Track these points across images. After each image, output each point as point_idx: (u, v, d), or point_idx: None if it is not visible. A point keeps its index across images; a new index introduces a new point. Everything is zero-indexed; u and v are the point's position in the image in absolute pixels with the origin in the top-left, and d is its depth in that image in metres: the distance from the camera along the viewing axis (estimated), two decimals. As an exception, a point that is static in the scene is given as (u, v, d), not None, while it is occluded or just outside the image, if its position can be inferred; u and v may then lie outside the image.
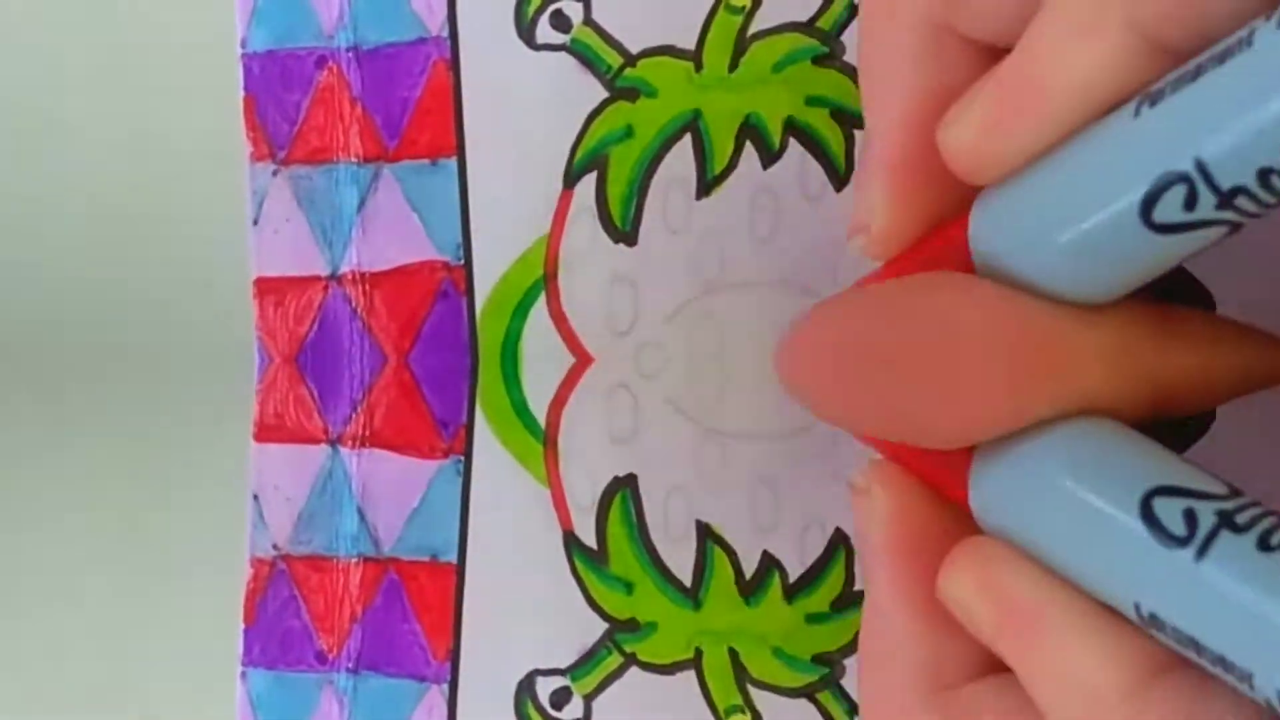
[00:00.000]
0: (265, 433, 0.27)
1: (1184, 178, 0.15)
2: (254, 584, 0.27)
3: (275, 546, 0.26)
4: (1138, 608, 0.15)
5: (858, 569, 0.24)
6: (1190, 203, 0.15)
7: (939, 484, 0.18)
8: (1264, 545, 0.14)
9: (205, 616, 0.30)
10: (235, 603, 0.27)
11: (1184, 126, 0.15)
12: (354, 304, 0.25)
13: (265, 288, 0.26)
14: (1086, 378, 0.16)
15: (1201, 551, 0.15)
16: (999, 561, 0.16)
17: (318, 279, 0.26)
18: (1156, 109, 0.15)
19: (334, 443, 0.26)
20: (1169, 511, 0.15)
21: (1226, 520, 0.15)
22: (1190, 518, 0.15)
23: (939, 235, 0.18)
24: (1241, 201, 0.14)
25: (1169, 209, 0.15)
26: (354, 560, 0.26)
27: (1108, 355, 0.16)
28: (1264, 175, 0.14)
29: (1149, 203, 0.15)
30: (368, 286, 0.25)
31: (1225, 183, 0.14)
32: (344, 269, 0.26)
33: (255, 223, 0.26)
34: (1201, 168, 0.14)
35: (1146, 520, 0.15)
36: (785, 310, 0.24)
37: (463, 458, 0.25)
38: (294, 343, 0.26)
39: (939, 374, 0.16)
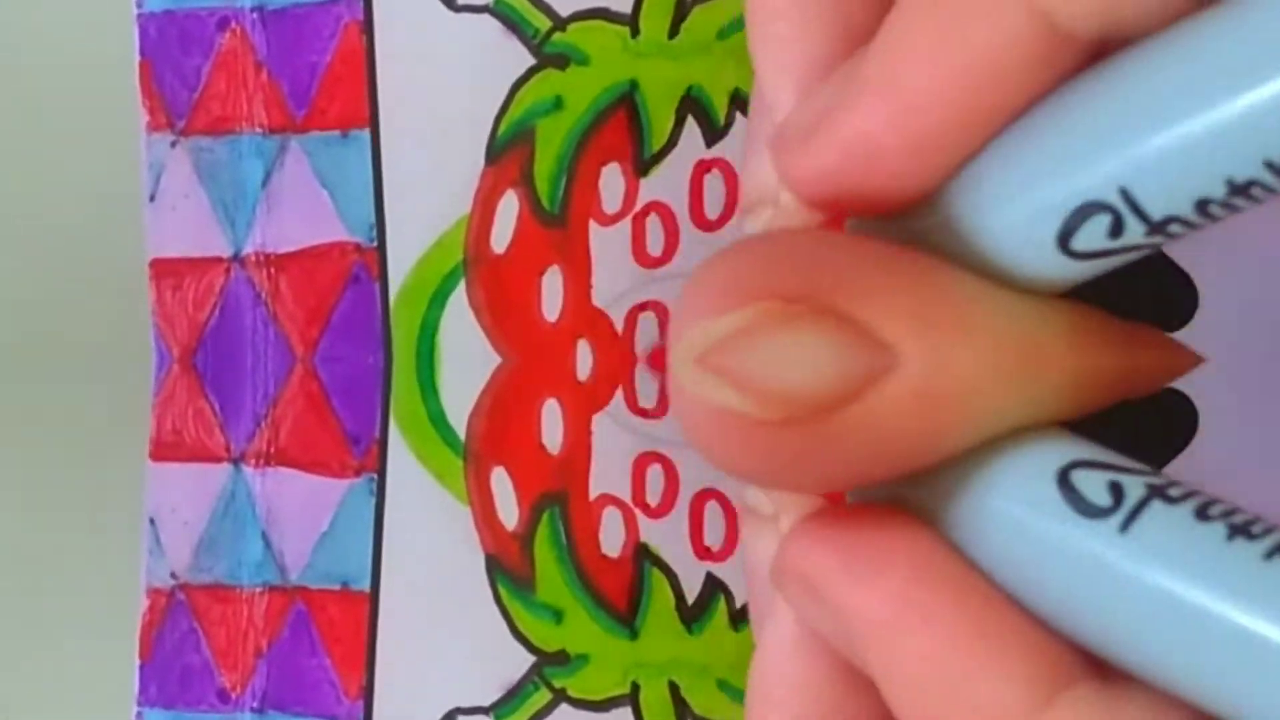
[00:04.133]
0: (163, 450, 0.31)
1: (1107, 207, 0.17)
2: (150, 616, 0.31)
3: (173, 575, 0.31)
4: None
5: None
6: (1116, 231, 0.18)
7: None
8: (1202, 515, 0.17)
9: (97, 652, 0.34)
10: (130, 637, 0.31)
11: (1105, 136, 0.17)
12: (258, 288, 0.30)
13: (162, 270, 0.31)
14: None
15: (1127, 522, 0.17)
16: (860, 525, 0.19)
17: (219, 260, 0.30)
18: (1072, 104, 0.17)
19: (236, 461, 0.30)
20: (1091, 483, 0.18)
21: (1158, 492, 0.17)
22: (1116, 490, 0.18)
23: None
24: (1175, 229, 0.17)
25: (1090, 238, 0.18)
26: (258, 589, 0.30)
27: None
28: (1202, 206, 0.17)
29: (1066, 234, 0.18)
30: (273, 269, 0.30)
31: (1157, 213, 0.17)
32: (247, 250, 0.30)
33: (152, 199, 0.31)
34: (1128, 198, 0.17)
35: (1064, 491, 0.18)
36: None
37: (375, 475, 0.29)
38: (193, 331, 0.30)
39: None
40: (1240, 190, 0.17)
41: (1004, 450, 0.19)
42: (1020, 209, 0.18)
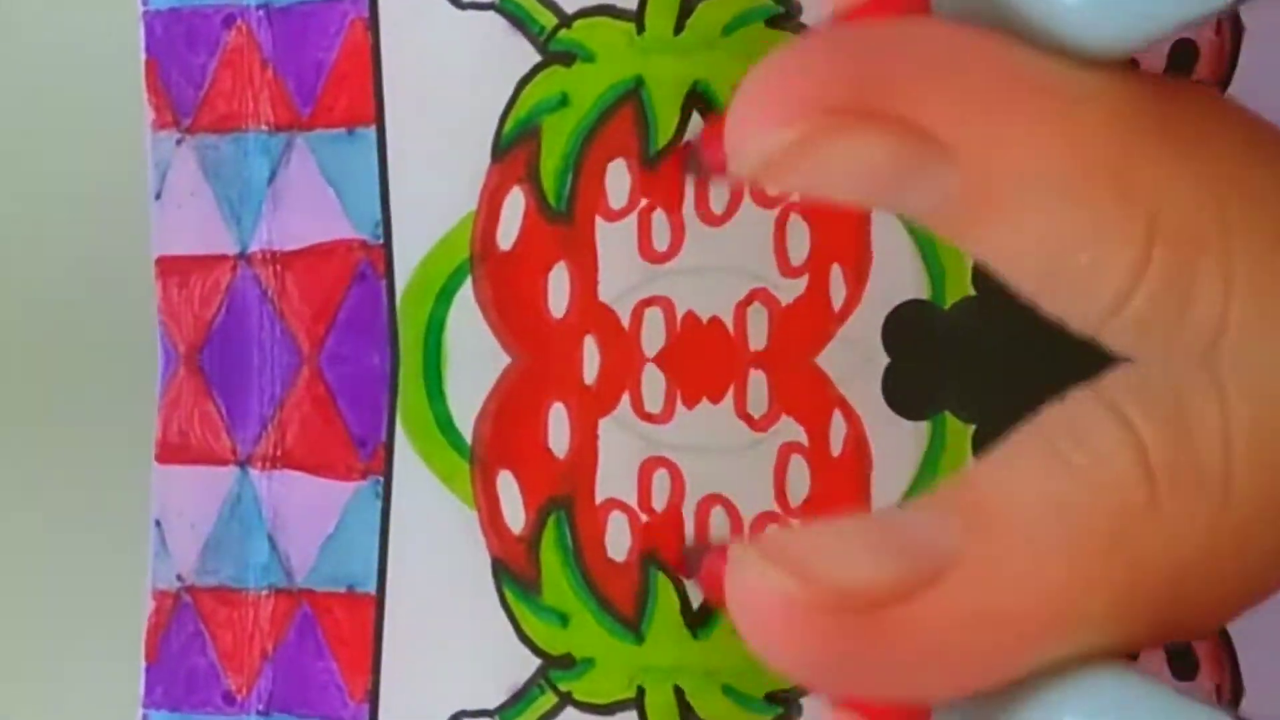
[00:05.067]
0: (169, 453, 0.31)
1: None
2: (156, 618, 0.31)
3: (179, 577, 0.31)
4: None
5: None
6: None
7: None
8: None
9: (103, 654, 0.35)
10: (136, 639, 0.31)
11: None
12: (264, 285, 0.30)
13: (168, 268, 0.31)
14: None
15: None
16: None
17: (225, 258, 0.30)
18: None
19: (243, 464, 0.30)
20: None
21: None
22: None
23: None
24: None
25: None
26: (264, 592, 0.30)
27: None
28: None
29: None
30: (279, 267, 0.30)
31: None
32: (253, 247, 0.30)
33: (158, 196, 0.31)
34: None
35: None
36: (739, 298, 0.28)
37: (382, 478, 0.29)
38: (199, 329, 0.31)
39: None
40: None
41: (1070, 710, 0.20)
42: None
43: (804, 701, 0.28)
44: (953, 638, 0.20)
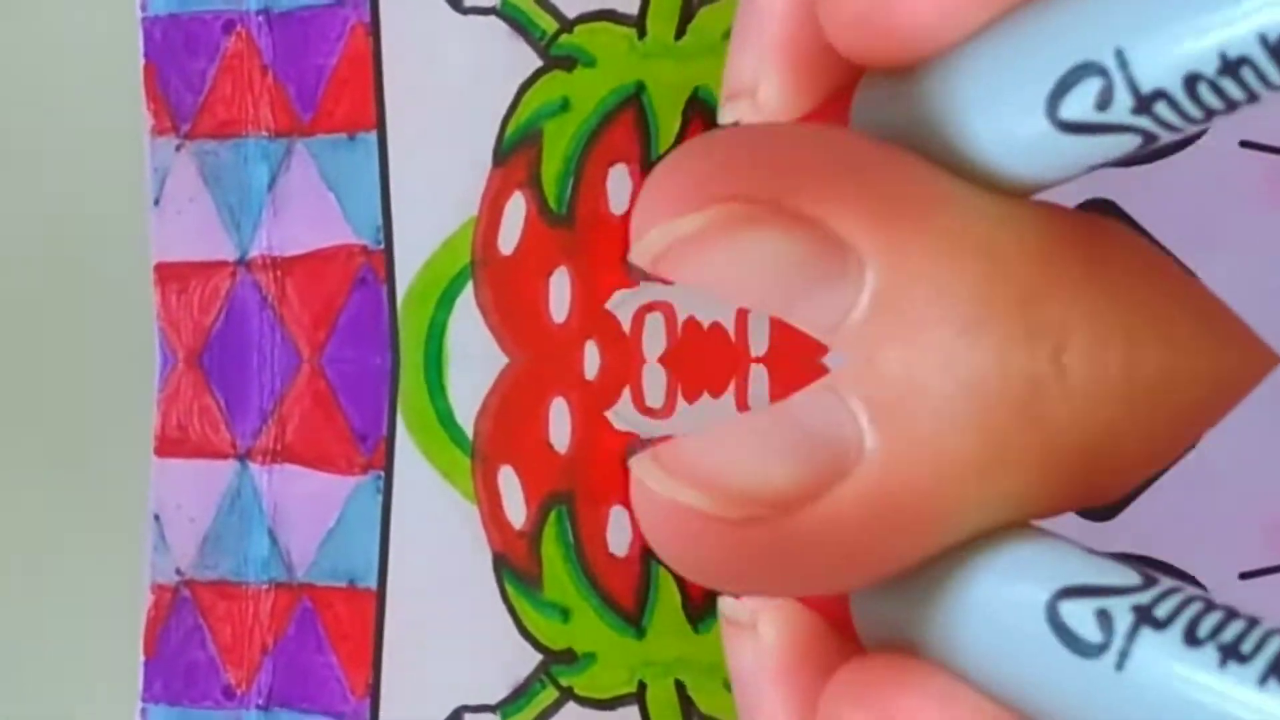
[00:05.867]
0: (167, 446, 0.31)
1: (1100, 70, 0.17)
2: (155, 612, 0.31)
3: (178, 571, 0.31)
4: None
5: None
6: (1104, 101, 0.18)
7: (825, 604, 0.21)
8: (1191, 639, 0.17)
9: (101, 648, 0.35)
10: (135, 633, 0.31)
11: (1106, 10, 0.17)
12: (264, 291, 0.30)
13: (167, 274, 0.31)
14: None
15: (1121, 660, 0.18)
16: (888, 685, 0.19)
17: (225, 264, 0.30)
18: None
19: (243, 458, 0.30)
20: (1080, 617, 0.18)
21: (1145, 616, 0.18)
22: (1105, 620, 0.18)
23: (822, 112, 0.21)
24: (1161, 109, 0.17)
25: (1079, 104, 0.18)
26: (264, 586, 0.30)
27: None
28: (1191, 84, 0.17)
29: (1057, 94, 0.18)
30: (279, 272, 0.30)
31: (1147, 84, 0.17)
32: (253, 253, 0.30)
33: (156, 203, 0.31)
34: (1121, 60, 0.17)
35: (1056, 630, 0.18)
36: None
37: (382, 473, 0.29)
38: (199, 335, 0.31)
39: None
40: (1231, 69, 0.17)
41: (984, 575, 0.19)
42: (1015, 72, 0.18)
43: (805, 695, 0.29)
44: (866, 531, 0.19)
